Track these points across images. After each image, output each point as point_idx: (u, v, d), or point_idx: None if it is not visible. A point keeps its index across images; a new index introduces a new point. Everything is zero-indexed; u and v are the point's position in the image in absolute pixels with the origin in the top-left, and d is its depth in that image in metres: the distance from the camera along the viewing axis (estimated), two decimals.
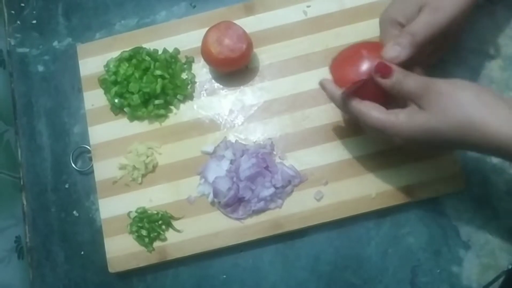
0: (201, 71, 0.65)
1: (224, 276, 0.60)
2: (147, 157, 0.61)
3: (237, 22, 0.61)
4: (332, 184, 0.59)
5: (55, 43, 0.69)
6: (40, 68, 0.69)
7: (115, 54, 0.64)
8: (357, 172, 0.59)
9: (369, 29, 0.60)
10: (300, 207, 0.58)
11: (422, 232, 0.58)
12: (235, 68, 0.62)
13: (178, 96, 0.63)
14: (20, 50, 0.70)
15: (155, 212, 0.59)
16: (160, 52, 0.64)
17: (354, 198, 0.58)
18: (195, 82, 0.64)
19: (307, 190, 0.59)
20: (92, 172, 0.62)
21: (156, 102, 0.62)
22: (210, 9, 0.66)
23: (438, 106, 0.43)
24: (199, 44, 0.61)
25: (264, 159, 0.59)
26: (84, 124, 0.64)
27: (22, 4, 0.71)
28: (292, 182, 0.59)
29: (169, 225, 0.59)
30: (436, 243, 0.58)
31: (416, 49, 0.48)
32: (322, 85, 0.51)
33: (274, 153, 0.61)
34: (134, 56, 0.63)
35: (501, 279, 0.53)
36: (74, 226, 0.63)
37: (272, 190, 0.58)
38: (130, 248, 0.59)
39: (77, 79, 0.66)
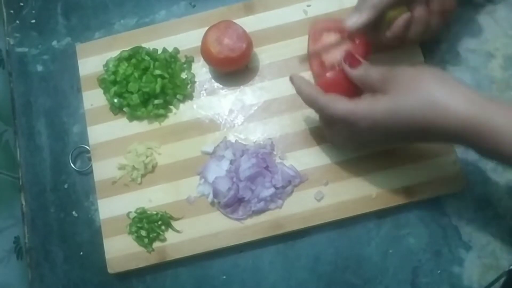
0: (201, 71, 0.64)
1: (224, 277, 0.60)
2: (147, 157, 0.61)
3: (237, 21, 0.61)
4: (332, 184, 0.59)
5: (54, 43, 0.69)
6: (39, 67, 0.68)
7: (115, 53, 0.64)
8: (358, 172, 0.59)
9: None
10: (300, 208, 0.58)
11: (422, 232, 0.58)
12: (235, 68, 0.62)
13: (178, 96, 0.63)
14: (19, 49, 0.69)
15: (155, 212, 0.59)
16: (159, 52, 0.64)
17: (354, 199, 0.58)
18: (195, 82, 0.64)
19: (307, 190, 0.59)
20: (91, 172, 0.62)
21: (156, 102, 0.62)
22: (209, 8, 0.66)
23: (401, 88, 0.44)
24: (199, 43, 0.61)
25: (264, 159, 0.59)
26: (83, 124, 0.64)
27: (21, 4, 0.71)
28: (292, 182, 0.59)
29: (168, 225, 0.59)
30: (437, 244, 0.58)
31: (376, 12, 0.50)
32: (291, 79, 0.53)
33: (274, 153, 0.60)
34: (134, 56, 0.63)
35: (502, 280, 0.53)
36: (73, 226, 0.63)
37: (272, 190, 0.58)
38: (129, 249, 0.59)
39: (76, 79, 0.66)
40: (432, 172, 0.58)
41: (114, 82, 0.63)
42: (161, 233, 0.59)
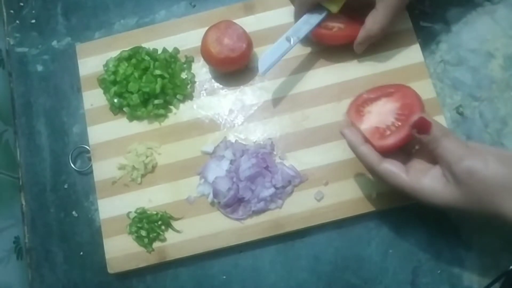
0: (201, 71, 0.64)
1: (224, 277, 0.60)
2: (147, 157, 0.61)
3: (237, 21, 0.61)
4: (332, 184, 0.59)
5: (54, 43, 0.69)
6: (39, 67, 0.68)
7: (115, 53, 0.64)
8: (358, 172, 0.59)
9: None
10: (300, 208, 0.58)
11: (422, 232, 0.58)
12: (235, 68, 0.62)
13: (178, 96, 0.63)
14: (19, 49, 0.69)
15: (155, 212, 0.59)
16: (159, 52, 0.64)
17: (354, 199, 0.58)
18: (195, 82, 0.64)
19: (307, 190, 0.59)
20: (91, 172, 0.62)
21: (156, 102, 0.62)
22: (209, 8, 0.66)
23: (468, 187, 0.43)
24: (199, 43, 0.61)
25: (264, 159, 0.59)
26: (83, 124, 0.64)
27: (21, 4, 0.71)
28: (292, 182, 0.58)
29: (168, 225, 0.59)
30: (437, 244, 0.58)
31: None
32: (343, 134, 0.50)
33: (274, 153, 0.60)
34: (134, 56, 0.63)
35: (502, 280, 0.53)
36: (73, 226, 0.63)
37: (272, 190, 0.58)
38: (129, 249, 0.59)
39: (76, 79, 0.66)
40: None
41: (114, 82, 0.62)
42: (161, 233, 0.59)
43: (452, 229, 0.58)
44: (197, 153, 0.61)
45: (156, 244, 0.59)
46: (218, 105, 0.63)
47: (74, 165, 0.64)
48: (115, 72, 0.62)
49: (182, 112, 0.63)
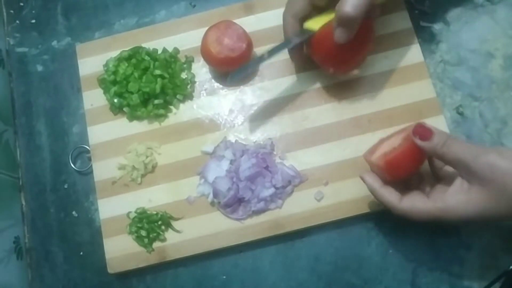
0: (201, 71, 0.64)
1: (224, 277, 0.60)
2: (147, 157, 0.61)
3: (237, 21, 0.61)
4: (332, 184, 0.59)
5: (54, 43, 0.69)
6: (39, 67, 0.68)
7: (115, 53, 0.64)
8: (358, 172, 0.58)
9: None
10: (300, 208, 0.58)
11: (423, 232, 0.58)
12: (235, 68, 0.62)
13: (178, 96, 0.63)
14: (19, 49, 0.69)
15: (155, 212, 0.59)
16: (159, 52, 0.64)
17: (354, 199, 0.58)
18: (195, 82, 0.64)
19: (307, 190, 0.59)
20: (91, 172, 0.62)
21: (156, 102, 0.62)
22: (209, 8, 0.66)
23: (493, 184, 0.42)
24: (199, 43, 0.61)
25: (264, 159, 0.59)
26: (83, 124, 0.64)
27: (21, 4, 0.71)
28: (292, 182, 0.58)
29: (168, 225, 0.59)
30: (437, 244, 0.58)
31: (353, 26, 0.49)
32: (362, 179, 0.51)
33: (274, 153, 0.60)
34: (134, 56, 0.63)
35: (502, 280, 0.53)
36: (73, 226, 0.63)
37: (272, 190, 0.58)
38: (129, 249, 0.59)
39: (76, 79, 0.66)
40: None
41: (114, 82, 0.62)
42: (161, 233, 0.59)
43: (452, 229, 0.58)
44: (197, 153, 0.61)
45: (156, 244, 0.59)
46: (218, 105, 0.63)
47: (74, 165, 0.64)
48: (115, 72, 0.62)
49: (182, 112, 0.63)
